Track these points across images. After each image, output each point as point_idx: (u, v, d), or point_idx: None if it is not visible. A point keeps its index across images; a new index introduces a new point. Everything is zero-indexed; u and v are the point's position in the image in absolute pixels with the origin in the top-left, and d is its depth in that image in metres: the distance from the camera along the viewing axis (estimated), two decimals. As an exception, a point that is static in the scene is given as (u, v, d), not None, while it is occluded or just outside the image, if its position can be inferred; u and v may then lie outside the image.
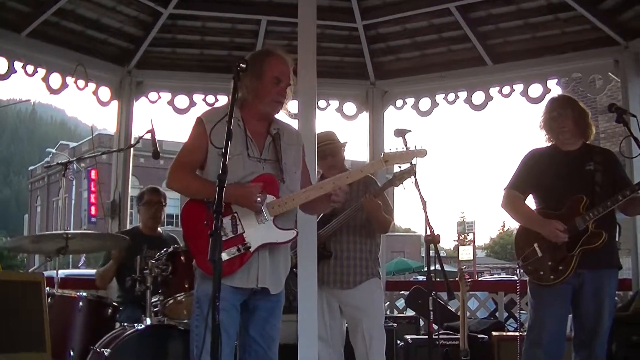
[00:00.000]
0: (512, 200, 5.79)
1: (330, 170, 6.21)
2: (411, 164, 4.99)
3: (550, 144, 5.84)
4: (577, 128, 5.67)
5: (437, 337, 6.97)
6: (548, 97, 8.50)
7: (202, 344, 3.66)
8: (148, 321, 5.55)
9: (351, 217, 6.20)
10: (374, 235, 6.42)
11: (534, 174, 5.73)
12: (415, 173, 4.91)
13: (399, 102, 9.63)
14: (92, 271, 14.91)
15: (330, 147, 6.35)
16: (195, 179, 4.52)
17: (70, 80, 8.23)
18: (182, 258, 5.70)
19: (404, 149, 4.74)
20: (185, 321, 5.53)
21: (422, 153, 4.75)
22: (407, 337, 7.67)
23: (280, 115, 4.80)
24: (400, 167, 5.76)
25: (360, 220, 6.29)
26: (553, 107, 5.78)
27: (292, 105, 9.06)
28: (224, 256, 4.10)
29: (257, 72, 4.52)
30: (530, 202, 5.83)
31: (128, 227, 8.86)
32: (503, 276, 38.91)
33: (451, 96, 9.28)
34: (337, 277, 6.23)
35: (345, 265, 6.24)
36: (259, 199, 4.30)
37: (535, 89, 8.72)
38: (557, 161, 5.67)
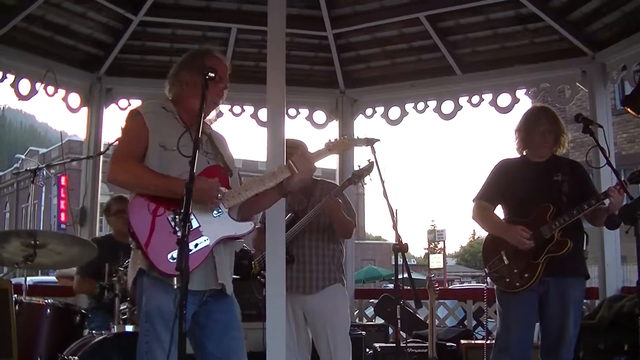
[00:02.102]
0: (481, 211, 5.83)
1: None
2: (369, 161, 5.01)
3: (520, 155, 5.89)
4: (556, 144, 5.76)
5: (405, 345, 7.00)
6: (517, 106, 8.63)
7: (168, 356, 3.48)
8: (116, 328, 5.54)
9: (313, 220, 6.17)
10: (336, 240, 6.39)
11: (503, 184, 5.78)
12: (379, 171, 4.88)
13: (369, 111, 9.67)
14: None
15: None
16: (148, 171, 4.12)
17: (39, 86, 8.16)
18: (151, 266, 5.66)
19: (345, 138, 4.67)
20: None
21: (361, 142, 4.67)
22: (376, 345, 7.70)
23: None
24: (359, 166, 5.82)
25: (323, 224, 6.27)
26: (542, 122, 5.75)
27: (262, 114, 9.15)
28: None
29: (197, 67, 4.34)
30: (500, 212, 5.88)
31: (97, 234, 8.83)
32: (473, 284, 39.02)
33: (421, 105, 9.34)
34: (299, 282, 6.18)
35: (308, 270, 6.19)
36: (219, 194, 4.10)
37: (504, 99, 8.80)
38: (525, 172, 5.73)
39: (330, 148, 4.59)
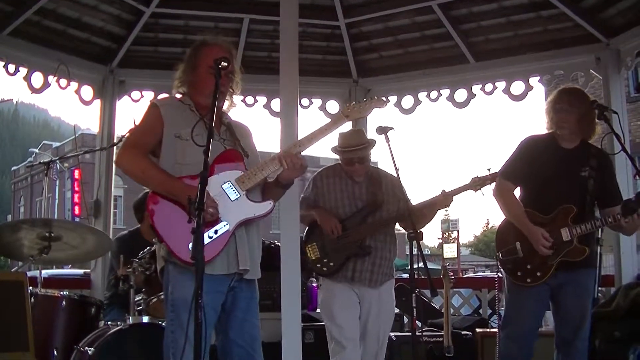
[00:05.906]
0: (504, 193, 5.68)
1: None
2: (490, 170, 5.11)
3: (548, 131, 5.73)
4: (579, 127, 5.56)
5: (420, 334, 6.99)
6: (530, 94, 8.65)
7: (182, 352, 3.53)
8: (131, 320, 5.55)
9: (392, 220, 6.13)
10: (395, 235, 6.35)
11: (528, 163, 5.61)
12: (393, 159, 4.84)
13: (382, 100, 9.59)
14: (77, 271, 14.83)
15: (366, 153, 6.12)
16: (154, 166, 4.22)
17: (52, 79, 8.16)
18: (166, 257, 5.66)
19: (362, 101, 4.60)
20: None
21: (380, 102, 4.60)
22: (392, 334, 7.67)
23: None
24: (479, 175, 5.76)
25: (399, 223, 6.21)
26: (561, 99, 5.62)
27: (275, 104, 9.16)
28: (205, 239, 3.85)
29: (191, 64, 4.46)
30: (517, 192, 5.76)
31: (111, 226, 8.83)
32: (487, 273, 38.94)
33: (434, 94, 9.30)
34: (364, 274, 6.01)
35: (377, 264, 6.05)
36: (210, 209, 3.95)
37: (518, 86, 8.77)
38: (552, 157, 5.58)
39: (347, 114, 4.53)
